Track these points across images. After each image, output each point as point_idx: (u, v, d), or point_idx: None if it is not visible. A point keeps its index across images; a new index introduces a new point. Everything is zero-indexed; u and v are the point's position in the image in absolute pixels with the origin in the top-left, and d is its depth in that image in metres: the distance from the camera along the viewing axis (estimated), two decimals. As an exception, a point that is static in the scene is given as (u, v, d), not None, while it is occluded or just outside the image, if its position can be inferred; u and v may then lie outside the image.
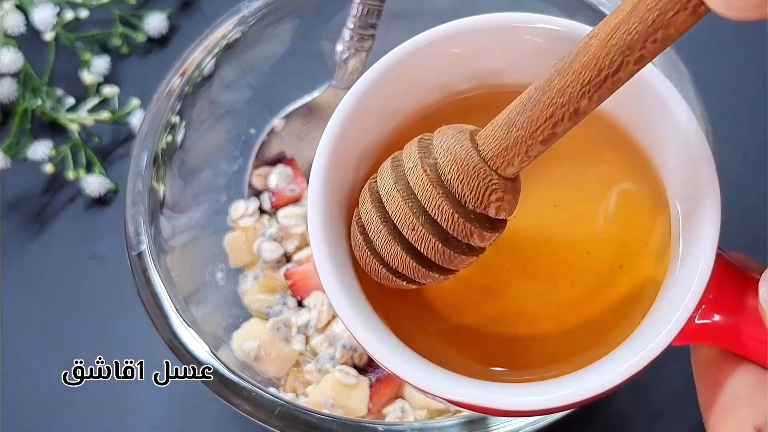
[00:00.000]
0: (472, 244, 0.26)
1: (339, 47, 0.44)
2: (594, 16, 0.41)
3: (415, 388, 0.26)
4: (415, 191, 0.26)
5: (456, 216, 0.26)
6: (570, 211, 0.29)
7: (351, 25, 0.43)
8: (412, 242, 0.26)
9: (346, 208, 0.29)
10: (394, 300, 0.28)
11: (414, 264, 0.27)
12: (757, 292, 0.25)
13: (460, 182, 0.25)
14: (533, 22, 0.29)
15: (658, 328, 0.25)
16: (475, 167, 0.25)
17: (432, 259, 0.27)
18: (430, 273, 0.27)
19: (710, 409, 0.26)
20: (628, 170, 0.29)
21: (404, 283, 0.27)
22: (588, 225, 0.29)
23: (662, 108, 0.27)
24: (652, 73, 0.27)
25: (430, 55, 0.29)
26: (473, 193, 0.25)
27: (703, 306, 0.26)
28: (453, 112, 0.30)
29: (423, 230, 0.26)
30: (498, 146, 0.25)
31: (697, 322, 0.26)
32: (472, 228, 0.26)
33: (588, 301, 0.28)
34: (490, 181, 0.25)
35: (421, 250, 0.27)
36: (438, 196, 0.26)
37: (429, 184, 0.26)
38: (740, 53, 0.52)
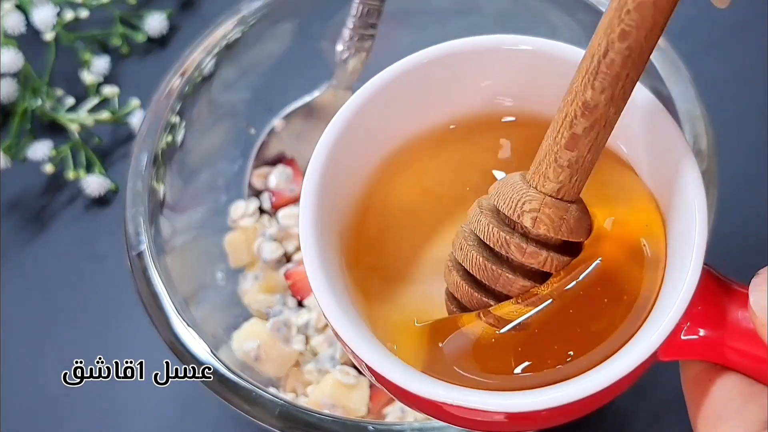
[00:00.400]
0: (512, 257, 0.27)
1: (339, 47, 0.44)
2: (594, 15, 0.41)
3: (404, 395, 0.26)
4: (468, 219, 0.27)
5: (491, 226, 0.26)
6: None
7: (351, 25, 0.43)
8: (462, 263, 0.27)
9: (339, 224, 0.29)
10: (380, 305, 0.29)
11: (466, 287, 0.27)
12: (743, 305, 0.25)
13: (500, 199, 0.26)
14: (518, 44, 0.29)
15: (639, 344, 0.25)
16: (512, 184, 0.26)
17: (479, 278, 0.27)
18: (483, 298, 0.27)
19: (700, 422, 0.26)
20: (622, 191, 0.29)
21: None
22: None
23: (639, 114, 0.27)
24: None
25: (424, 76, 0.30)
26: (507, 203, 0.26)
27: (688, 323, 0.26)
28: (451, 132, 0.31)
29: (468, 248, 0.27)
30: (534, 163, 0.26)
31: (683, 337, 0.26)
32: (507, 237, 0.26)
33: (591, 307, 0.28)
34: (524, 193, 0.26)
35: (469, 270, 0.27)
36: (480, 212, 0.27)
37: (477, 207, 0.27)
38: (740, 53, 0.52)
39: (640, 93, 0.28)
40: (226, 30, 0.44)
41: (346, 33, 0.43)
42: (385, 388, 0.27)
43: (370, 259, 0.29)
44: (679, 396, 0.44)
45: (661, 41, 0.40)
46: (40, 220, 0.52)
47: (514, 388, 0.26)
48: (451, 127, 0.31)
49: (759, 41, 0.52)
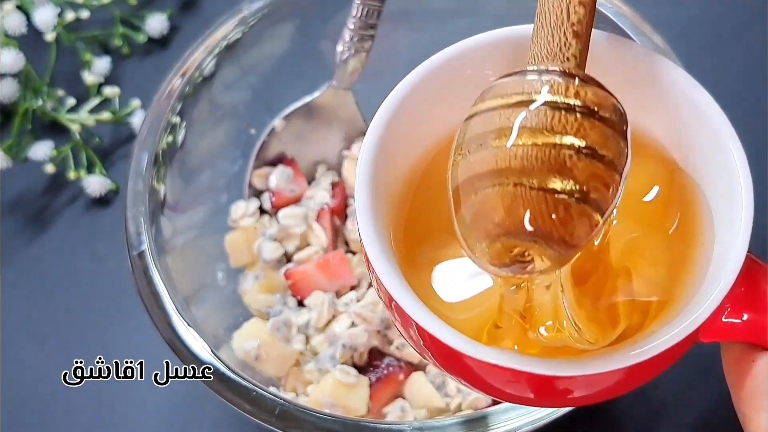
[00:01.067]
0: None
1: (339, 47, 0.44)
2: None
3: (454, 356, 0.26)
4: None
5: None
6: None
7: (351, 26, 0.43)
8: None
9: (393, 199, 0.29)
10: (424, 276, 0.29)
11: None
12: None
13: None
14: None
15: (680, 324, 0.25)
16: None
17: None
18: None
19: (743, 401, 0.27)
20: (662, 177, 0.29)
21: None
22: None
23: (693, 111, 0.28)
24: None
25: (479, 57, 0.30)
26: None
27: (730, 307, 0.26)
28: None
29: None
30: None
31: (725, 320, 0.27)
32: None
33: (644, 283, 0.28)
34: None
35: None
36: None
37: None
38: (741, 53, 0.52)
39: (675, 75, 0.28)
40: (226, 30, 0.44)
41: (347, 33, 0.43)
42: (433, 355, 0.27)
43: (417, 234, 0.30)
44: (681, 394, 0.44)
45: (660, 42, 0.40)
46: (41, 219, 0.52)
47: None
48: None
49: (758, 42, 0.52)
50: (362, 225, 0.27)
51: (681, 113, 0.29)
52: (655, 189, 0.29)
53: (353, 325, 0.42)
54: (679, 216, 0.29)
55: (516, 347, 0.27)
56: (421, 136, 0.30)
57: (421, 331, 0.26)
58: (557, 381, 0.26)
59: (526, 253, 0.24)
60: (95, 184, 0.51)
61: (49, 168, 0.52)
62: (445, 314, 0.27)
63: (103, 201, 0.52)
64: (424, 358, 0.28)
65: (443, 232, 0.29)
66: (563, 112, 0.23)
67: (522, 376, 0.25)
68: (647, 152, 0.30)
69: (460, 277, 0.29)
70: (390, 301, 0.27)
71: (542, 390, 0.27)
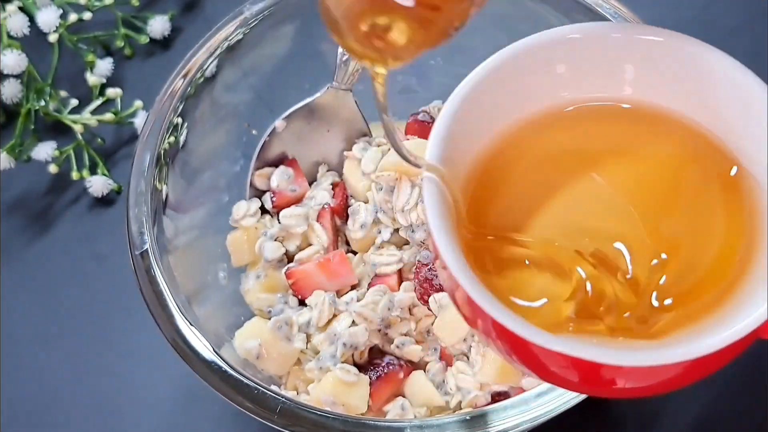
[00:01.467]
0: None
1: (340, 49, 0.44)
2: (591, 17, 0.42)
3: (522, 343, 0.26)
4: None
5: None
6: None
7: (352, 27, 0.43)
8: None
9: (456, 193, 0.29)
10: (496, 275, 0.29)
11: None
12: None
13: None
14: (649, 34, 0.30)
15: (741, 321, 0.26)
16: None
17: None
18: None
19: None
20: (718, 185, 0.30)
21: None
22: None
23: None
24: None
25: (537, 60, 0.30)
26: None
27: None
28: (556, 121, 0.31)
29: None
30: None
31: None
32: None
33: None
34: None
35: None
36: None
37: None
38: (738, 55, 0.52)
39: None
40: (228, 32, 0.44)
41: (347, 35, 0.44)
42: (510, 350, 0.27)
43: (480, 228, 0.30)
44: (671, 403, 0.44)
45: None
46: (44, 219, 0.52)
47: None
48: (569, 109, 0.31)
49: (755, 44, 0.52)
50: (432, 221, 0.28)
51: (738, 107, 0.29)
52: (714, 183, 0.30)
53: (354, 324, 0.42)
54: (739, 210, 0.29)
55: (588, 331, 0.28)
56: (481, 133, 0.31)
57: (495, 324, 0.26)
58: (608, 370, 0.26)
59: (387, 31, 0.25)
60: (98, 184, 0.51)
61: (52, 168, 0.52)
62: (513, 303, 0.28)
63: (106, 201, 0.52)
64: (498, 351, 0.29)
65: (505, 225, 0.30)
66: None
67: (588, 365, 0.26)
68: (705, 146, 0.30)
69: (524, 269, 0.29)
70: (464, 297, 0.27)
71: (594, 378, 0.27)
